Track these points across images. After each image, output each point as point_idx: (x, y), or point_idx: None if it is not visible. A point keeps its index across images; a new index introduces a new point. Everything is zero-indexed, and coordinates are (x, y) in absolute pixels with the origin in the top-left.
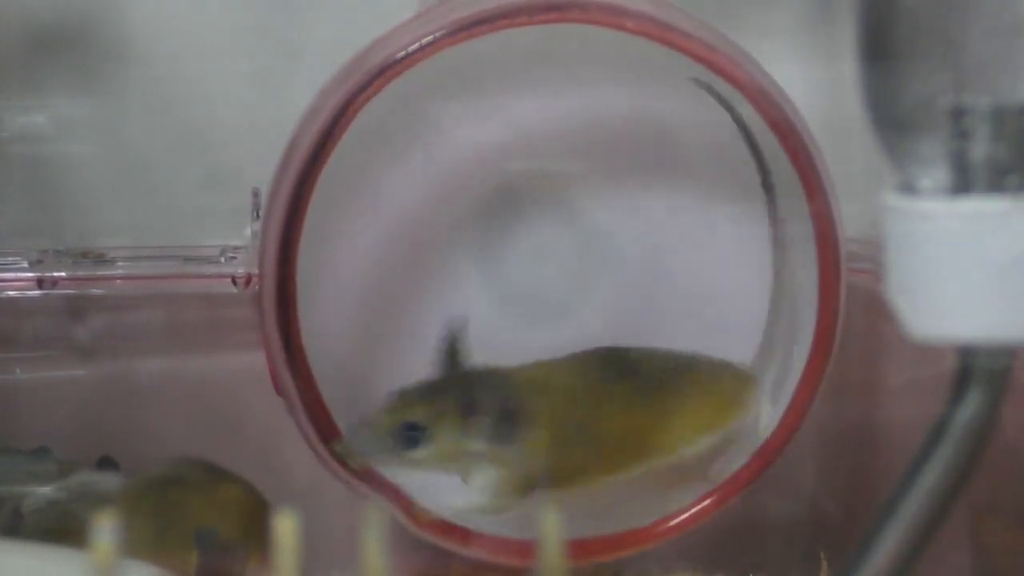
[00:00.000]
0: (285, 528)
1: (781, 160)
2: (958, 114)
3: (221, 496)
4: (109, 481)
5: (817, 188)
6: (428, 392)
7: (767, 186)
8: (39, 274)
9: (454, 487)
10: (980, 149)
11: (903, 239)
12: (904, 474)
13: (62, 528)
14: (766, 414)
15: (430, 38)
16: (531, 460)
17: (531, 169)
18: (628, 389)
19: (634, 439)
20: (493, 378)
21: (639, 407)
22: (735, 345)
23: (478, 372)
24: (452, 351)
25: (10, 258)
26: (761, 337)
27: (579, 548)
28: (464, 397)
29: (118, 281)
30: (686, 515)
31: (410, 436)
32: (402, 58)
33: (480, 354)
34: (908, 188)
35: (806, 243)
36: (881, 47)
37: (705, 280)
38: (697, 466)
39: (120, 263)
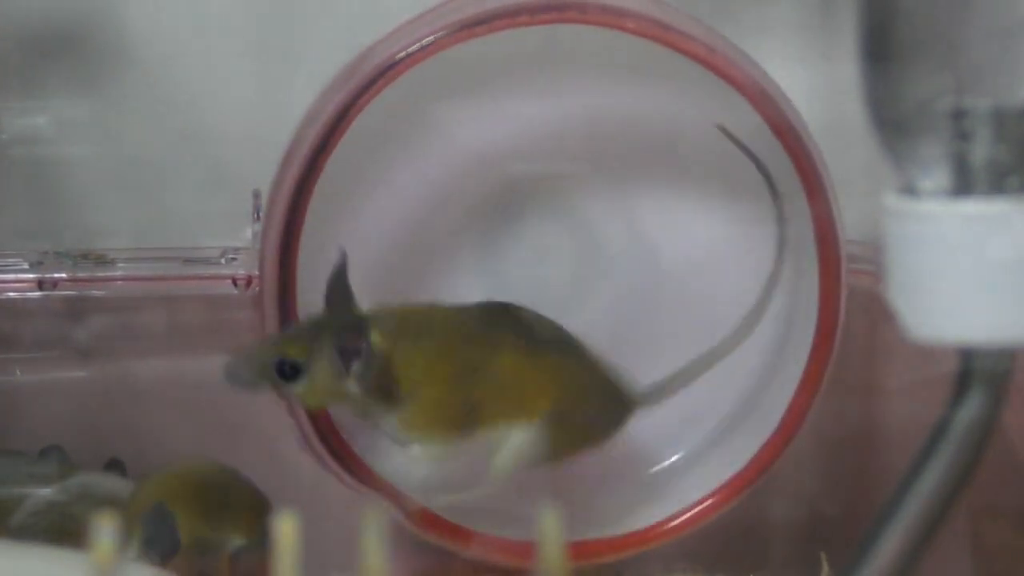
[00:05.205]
0: (285, 528)
1: (781, 160)
2: (958, 116)
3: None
4: (109, 483)
5: (817, 189)
6: (310, 330)
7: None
8: (39, 275)
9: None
10: (980, 151)
11: (904, 241)
12: (904, 475)
13: (62, 529)
14: None
15: (430, 38)
16: (412, 400)
17: (532, 170)
18: (515, 341)
19: (517, 390)
20: (375, 318)
21: (524, 358)
22: None
23: (359, 313)
24: (339, 287)
25: (10, 259)
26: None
27: (580, 549)
28: (338, 339)
29: (119, 282)
30: (687, 515)
31: (287, 371)
32: (403, 59)
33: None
34: (909, 190)
35: (806, 244)
36: (882, 48)
37: (705, 280)
38: None
39: (120, 264)
